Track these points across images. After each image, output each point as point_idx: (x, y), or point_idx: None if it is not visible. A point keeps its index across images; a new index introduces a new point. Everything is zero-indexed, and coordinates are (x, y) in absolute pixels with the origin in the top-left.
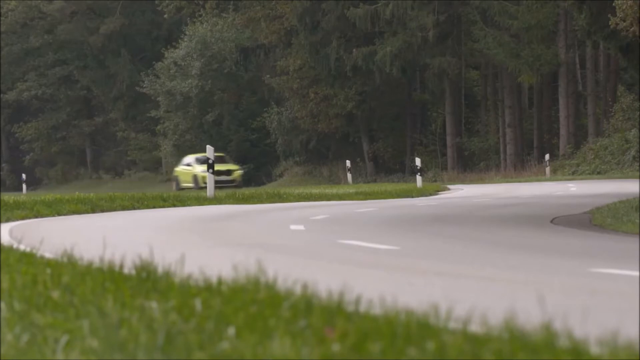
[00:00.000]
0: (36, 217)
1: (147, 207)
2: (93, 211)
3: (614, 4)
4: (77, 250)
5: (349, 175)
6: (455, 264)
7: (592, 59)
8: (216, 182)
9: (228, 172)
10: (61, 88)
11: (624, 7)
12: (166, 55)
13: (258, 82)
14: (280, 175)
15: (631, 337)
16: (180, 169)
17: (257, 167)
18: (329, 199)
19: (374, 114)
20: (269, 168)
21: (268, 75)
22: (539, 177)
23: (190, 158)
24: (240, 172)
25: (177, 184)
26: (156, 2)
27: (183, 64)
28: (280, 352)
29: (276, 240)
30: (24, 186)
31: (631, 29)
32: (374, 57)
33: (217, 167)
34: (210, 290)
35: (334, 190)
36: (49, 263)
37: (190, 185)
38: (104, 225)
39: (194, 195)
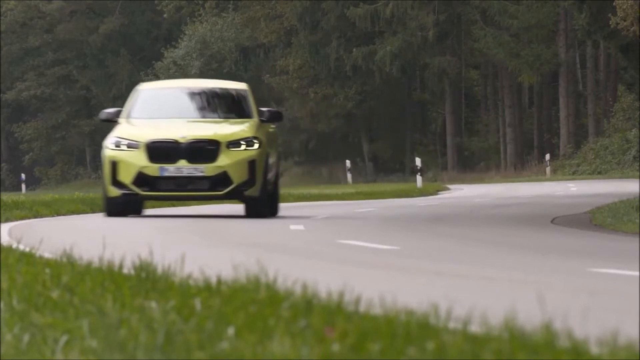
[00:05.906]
0: (35, 217)
1: (146, 206)
2: (92, 211)
3: (614, 4)
4: (76, 250)
5: (349, 175)
6: (455, 264)
7: (592, 59)
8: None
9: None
10: (60, 87)
11: (625, 6)
12: (166, 54)
13: (258, 82)
14: (280, 175)
15: (631, 337)
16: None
17: None
18: (328, 199)
19: (373, 114)
20: None
21: (268, 75)
22: (539, 177)
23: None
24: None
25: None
26: (156, 1)
27: (183, 63)
28: (280, 351)
29: (276, 240)
30: (23, 186)
31: (631, 29)
32: (374, 56)
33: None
34: (210, 290)
35: (333, 190)
36: (48, 263)
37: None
38: (104, 225)
39: None
